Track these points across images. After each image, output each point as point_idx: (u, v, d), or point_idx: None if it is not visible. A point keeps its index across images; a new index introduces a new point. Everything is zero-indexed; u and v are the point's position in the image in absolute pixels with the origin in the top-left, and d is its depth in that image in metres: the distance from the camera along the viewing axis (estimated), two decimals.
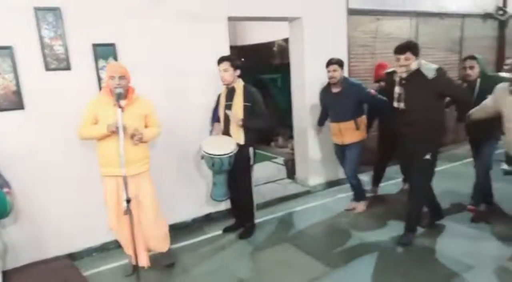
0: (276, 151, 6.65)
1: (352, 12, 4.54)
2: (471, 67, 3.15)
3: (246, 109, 3.16)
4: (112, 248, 3.35)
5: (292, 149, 5.12)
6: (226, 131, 3.25)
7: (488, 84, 2.91)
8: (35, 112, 2.93)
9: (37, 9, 2.84)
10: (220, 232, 3.58)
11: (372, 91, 3.56)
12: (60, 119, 3.00)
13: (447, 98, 3.06)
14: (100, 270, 3.06)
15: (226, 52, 3.65)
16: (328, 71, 3.53)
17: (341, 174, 4.55)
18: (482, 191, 3.40)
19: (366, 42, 4.86)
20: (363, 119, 3.65)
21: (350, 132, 3.57)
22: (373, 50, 4.91)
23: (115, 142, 2.49)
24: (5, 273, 2.75)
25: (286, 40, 5.28)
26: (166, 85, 3.39)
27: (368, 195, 4.01)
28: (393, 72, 2.93)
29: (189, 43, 3.48)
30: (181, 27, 3.43)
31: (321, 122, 4.01)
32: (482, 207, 3.46)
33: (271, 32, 6.11)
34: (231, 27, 6.72)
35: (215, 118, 3.41)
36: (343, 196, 4.27)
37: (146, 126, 2.79)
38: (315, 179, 4.58)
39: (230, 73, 3.15)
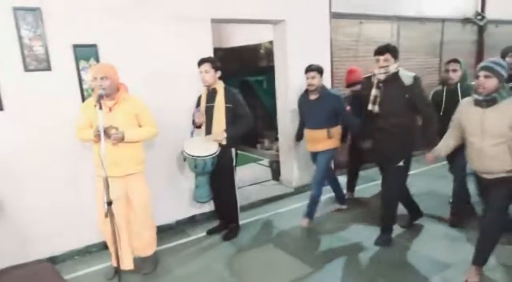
0: (262, 153, 6.67)
1: (335, 15, 4.61)
2: (454, 70, 3.18)
3: (228, 110, 3.18)
4: (94, 250, 3.31)
5: (278, 151, 5.16)
6: (208, 132, 3.26)
7: (467, 90, 3.00)
8: (15, 114, 2.88)
9: (16, 9, 2.80)
10: (204, 234, 3.58)
11: (348, 108, 3.52)
12: (41, 120, 2.97)
13: None
14: (82, 273, 3.02)
15: (210, 54, 3.65)
16: (307, 78, 3.48)
17: None
18: (459, 202, 3.41)
19: (349, 46, 4.95)
20: (337, 129, 3.55)
21: (322, 141, 3.50)
22: (355, 53, 5.00)
23: (104, 143, 2.48)
24: None
25: (272, 43, 5.32)
26: (149, 87, 3.37)
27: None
28: (371, 77, 2.95)
29: (172, 45, 3.48)
30: (164, 28, 3.42)
31: (299, 136, 3.93)
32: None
33: (258, 34, 6.14)
34: (216, 29, 6.77)
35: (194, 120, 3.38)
36: (327, 198, 4.32)
37: (140, 126, 2.76)
38: (300, 180, 4.62)
39: (211, 75, 3.17)
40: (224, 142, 3.20)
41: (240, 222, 3.64)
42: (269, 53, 6.28)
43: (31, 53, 2.90)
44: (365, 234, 3.35)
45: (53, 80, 2.99)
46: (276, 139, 5.09)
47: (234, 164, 3.35)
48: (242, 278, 2.82)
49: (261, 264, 3.00)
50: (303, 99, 3.66)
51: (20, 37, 2.84)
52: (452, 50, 5.86)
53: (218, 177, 3.30)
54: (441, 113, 3.19)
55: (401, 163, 2.91)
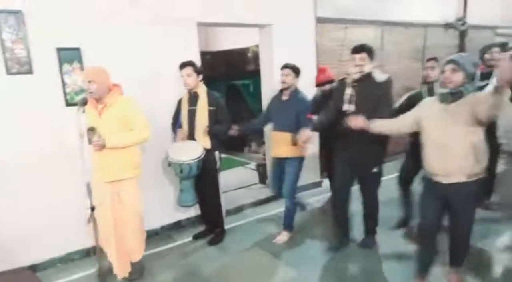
0: (249, 156, 6.67)
1: (320, 20, 4.66)
2: (432, 68, 3.21)
3: (211, 113, 3.19)
4: (77, 258, 3.25)
5: (265, 154, 5.16)
6: (191, 136, 3.25)
7: None
8: None
9: None
10: (190, 238, 3.55)
11: (310, 116, 3.24)
12: (23, 124, 2.91)
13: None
14: (63, 281, 2.96)
15: (196, 57, 3.66)
16: (281, 75, 3.30)
17: (309, 178, 4.62)
18: (405, 209, 3.44)
19: (334, 50, 5.00)
20: None
21: (285, 146, 3.24)
22: (340, 57, 5.05)
23: (87, 147, 2.48)
24: None
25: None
26: (133, 90, 3.32)
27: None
28: (344, 78, 2.92)
29: (157, 48, 3.46)
30: (149, 32, 3.40)
31: (251, 126, 3.71)
32: (414, 222, 3.37)
33: (245, 38, 6.15)
34: (204, 32, 6.75)
35: (177, 124, 3.37)
36: (312, 201, 4.34)
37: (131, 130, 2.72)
38: None
39: (193, 78, 3.18)
40: (208, 146, 3.20)
41: (227, 226, 3.63)
42: (256, 57, 6.29)
43: (13, 56, 2.84)
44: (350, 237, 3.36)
45: (35, 83, 2.94)
46: (263, 142, 5.10)
47: (218, 167, 3.35)
48: None
49: (247, 268, 3.00)
50: (275, 98, 3.46)
51: (1, 40, 2.79)
52: (435, 55, 5.93)
53: (203, 181, 3.29)
54: None
55: (375, 169, 2.90)
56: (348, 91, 2.78)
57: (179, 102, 3.36)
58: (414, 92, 3.31)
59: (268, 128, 4.01)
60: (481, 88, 2.70)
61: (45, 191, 3.05)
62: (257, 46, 6.14)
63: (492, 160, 3.07)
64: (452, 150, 2.15)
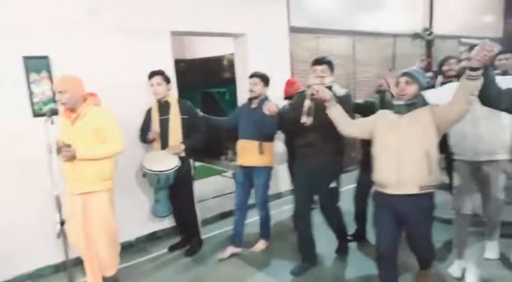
0: (226, 164, 6.64)
1: (293, 30, 4.75)
2: (385, 77, 3.20)
3: (184, 122, 3.18)
4: (47, 274, 3.12)
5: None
6: (165, 146, 3.20)
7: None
8: None
9: None
10: (165, 250, 3.48)
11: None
12: None
13: None
14: None
15: (170, 66, 3.64)
16: (249, 83, 3.25)
17: (285, 186, 4.64)
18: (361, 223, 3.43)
19: (308, 59, 5.05)
20: (270, 145, 3.26)
21: (253, 154, 3.18)
22: None
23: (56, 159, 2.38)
24: None
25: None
26: (105, 101, 3.26)
27: None
28: (304, 91, 2.86)
29: (130, 57, 3.41)
30: (121, 40, 3.36)
31: (216, 122, 3.56)
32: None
33: (221, 46, 6.18)
34: (179, 40, 6.72)
35: (148, 135, 3.25)
36: (288, 208, 4.36)
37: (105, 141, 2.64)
38: None
39: (163, 87, 3.16)
40: (182, 154, 3.17)
41: (204, 236, 3.58)
42: (232, 65, 6.33)
43: None
44: (330, 244, 3.33)
45: (1, 93, 2.83)
46: None
47: (192, 175, 3.32)
48: None
49: (224, 279, 2.96)
50: (244, 107, 3.39)
51: None
52: (403, 64, 6.17)
53: (178, 190, 3.24)
54: None
55: (332, 184, 2.84)
56: (307, 103, 2.67)
57: (148, 112, 3.30)
58: (370, 100, 3.30)
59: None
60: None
61: (13, 204, 2.92)
62: (232, 54, 6.19)
63: (449, 172, 3.17)
64: (405, 159, 2.15)
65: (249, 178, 3.29)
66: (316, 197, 3.04)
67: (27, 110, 2.96)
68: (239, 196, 3.34)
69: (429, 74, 4.80)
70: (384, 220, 2.29)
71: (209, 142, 3.69)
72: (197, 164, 6.55)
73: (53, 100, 3.00)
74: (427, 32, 6.64)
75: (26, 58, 2.91)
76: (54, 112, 2.35)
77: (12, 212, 2.92)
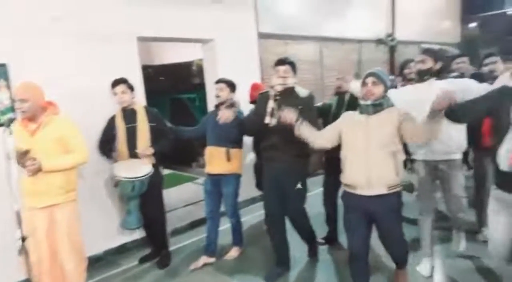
0: (197, 171, 6.55)
1: (262, 36, 4.80)
2: (345, 80, 3.21)
3: (152, 130, 3.12)
4: None
5: None
6: (132, 154, 3.10)
7: (354, 101, 3.06)
8: None
9: None
10: (136, 263, 3.37)
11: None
12: None
13: None
14: None
15: (137, 71, 3.57)
16: (215, 89, 3.22)
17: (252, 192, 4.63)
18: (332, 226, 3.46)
19: None
20: (238, 152, 3.22)
21: (220, 161, 3.14)
22: None
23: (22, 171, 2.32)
24: None
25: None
26: (70, 109, 3.13)
27: None
28: (267, 91, 2.85)
29: (95, 63, 3.31)
30: (85, 46, 3.25)
31: (184, 132, 3.49)
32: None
33: (190, 51, 6.11)
34: (147, 46, 6.59)
35: (114, 144, 3.16)
36: (261, 213, 4.35)
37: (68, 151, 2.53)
38: (239, 197, 4.59)
39: (129, 95, 3.10)
40: (153, 161, 3.11)
41: (176, 246, 3.52)
42: (202, 71, 6.29)
43: None
44: (303, 248, 3.33)
45: None
46: None
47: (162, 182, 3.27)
48: None
49: None
50: (211, 113, 3.32)
51: None
52: (368, 68, 6.35)
53: (148, 199, 3.15)
54: (328, 123, 3.09)
55: (299, 185, 2.81)
56: (270, 104, 2.70)
57: (111, 121, 3.18)
58: (329, 101, 3.36)
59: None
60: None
61: None
62: (201, 59, 6.15)
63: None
64: (374, 160, 2.18)
65: (218, 186, 3.24)
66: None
67: None
68: (209, 206, 3.29)
69: (391, 77, 4.98)
70: (354, 221, 2.31)
71: (180, 149, 3.63)
72: (168, 171, 6.48)
73: (12, 109, 2.85)
74: (390, 38, 6.91)
75: None
76: (13, 122, 2.24)
77: None
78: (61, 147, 2.50)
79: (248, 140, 3.55)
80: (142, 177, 2.96)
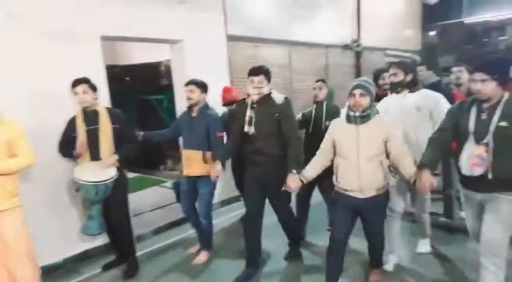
0: (165, 174, 6.42)
1: (231, 38, 4.78)
2: (320, 88, 3.40)
3: (115, 131, 3.00)
4: None
5: (182, 171, 5.00)
6: (95, 157, 2.96)
7: (332, 109, 3.30)
8: None
9: None
10: (99, 270, 3.24)
11: (220, 134, 3.21)
12: None
13: None
14: None
15: (101, 71, 3.45)
16: (186, 91, 3.20)
17: (228, 193, 4.63)
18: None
19: (247, 67, 5.08)
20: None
21: (197, 163, 3.16)
22: None
23: None
24: None
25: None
26: (29, 111, 2.99)
27: None
28: (245, 99, 2.91)
29: (56, 64, 3.16)
30: (46, 45, 3.10)
31: (157, 136, 3.54)
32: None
33: (158, 52, 5.98)
34: (112, 45, 6.38)
35: (74, 147, 2.99)
36: (235, 214, 4.34)
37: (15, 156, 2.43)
38: None
39: (90, 95, 2.96)
40: (117, 164, 2.99)
41: (142, 251, 3.42)
42: (170, 71, 6.17)
43: None
44: (278, 249, 3.37)
45: None
46: (180, 159, 4.96)
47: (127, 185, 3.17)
48: None
49: None
50: (185, 115, 3.33)
51: None
52: (335, 73, 6.58)
53: (112, 204, 3.02)
54: (309, 131, 3.37)
55: (284, 187, 2.78)
56: (248, 113, 2.77)
57: (71, 122, 3.02)
58: (307, 111, 3.48)
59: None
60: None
61: None
62: (169, 60, 6.04)
63: None
64: (364, 170, 2.37)
65: (194, 186, 3.27)
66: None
67: None
68: (186, 203, 3.33)
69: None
70: (342, 213, 2.51)
71: (146, 152, 3.53)
72: (134, 174, 6.30)
73: None
74: (356, 44, 7.11)
75: None
76: None
77: None
78: (9, 150, 2.41)
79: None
80: (106, 180, 2.85)
